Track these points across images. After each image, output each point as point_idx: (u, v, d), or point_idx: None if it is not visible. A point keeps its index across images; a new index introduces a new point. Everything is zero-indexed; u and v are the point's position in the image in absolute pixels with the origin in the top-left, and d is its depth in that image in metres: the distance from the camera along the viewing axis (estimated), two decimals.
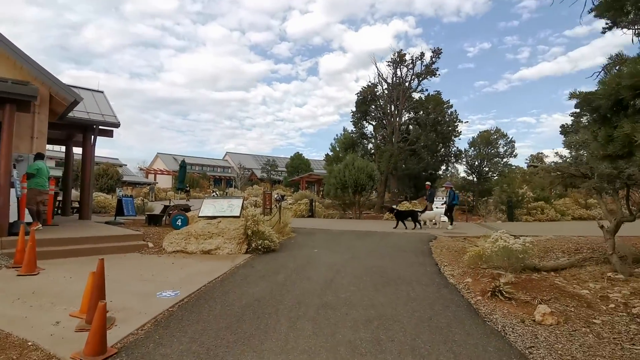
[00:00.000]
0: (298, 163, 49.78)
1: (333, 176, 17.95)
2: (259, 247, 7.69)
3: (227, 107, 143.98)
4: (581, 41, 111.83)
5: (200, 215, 8.30)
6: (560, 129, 28.71)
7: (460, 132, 20.14)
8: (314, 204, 19.01)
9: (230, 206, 8.23)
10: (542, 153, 51.03)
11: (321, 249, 8.45)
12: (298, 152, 51.57)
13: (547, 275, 6.33)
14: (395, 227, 12.36)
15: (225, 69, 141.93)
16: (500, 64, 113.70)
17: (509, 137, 19.87)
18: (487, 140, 20.30)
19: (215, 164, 65.41)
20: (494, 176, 20.22)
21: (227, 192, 40.22)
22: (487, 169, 20.05)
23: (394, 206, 16.26)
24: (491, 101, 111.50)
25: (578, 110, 30.60)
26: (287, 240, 9.64)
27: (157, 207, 16.22)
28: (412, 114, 21.14)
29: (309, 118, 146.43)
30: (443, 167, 21.19)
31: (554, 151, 29.12)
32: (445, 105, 19.73)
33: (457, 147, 20.35)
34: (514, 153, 19.88)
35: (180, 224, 8.41)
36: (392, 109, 20.08)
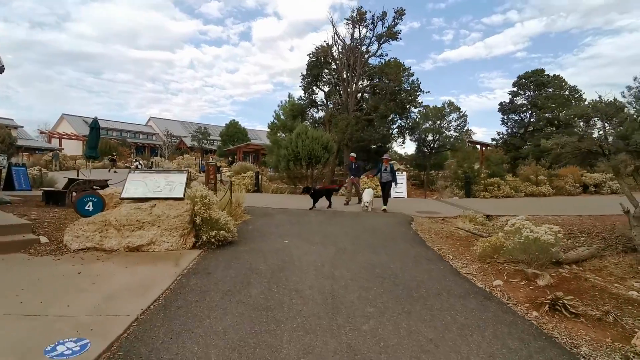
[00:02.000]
0: (234, 131, 46.09)
1: (283, 146, 15.92)
2: (212, 239, 5.62)
3: (150, 68, 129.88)
4: (496, 29, 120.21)
5: (123, 196, 5.86)
6: (498, 107, 29.80)
7: (421, 102, 19.14)
8: (260, 177, 16.88)
9: (169, 184, 5.91)
10: (470, 129, 53.98)
11: (292, 238, 6.64)
12: (234, 120, 47.71)
13: (576, 271, 5.34)
14: (311, 208, 10.37)
15: (145, 25, 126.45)
16: (427, 44, 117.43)
17: (461, 111, 19.50)
18: (440, 114, 19.72)
19: (137, 130, 58.19)
20: (444, 150, 19.86)
21: (152, 162, 35.62)
22: (439, 143, 19.57)
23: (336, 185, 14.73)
24: (418, 79, 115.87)
25: (516, 89, 31.64)
26: (244, 226, 7.63)
27: (60, 180, 12.77)
28: (368, 81, 19.55)
29: (241, 86, 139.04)
30: (400, 140, 20.31)
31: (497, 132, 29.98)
32: (406, 73, 18.51)
33: (414, 119, 19.45)
34: (465, 128, 19.70)
35: (91, 208, 5.84)
36: (349, 72, 18.25)
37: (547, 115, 24.00)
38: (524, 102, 28.10)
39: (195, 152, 48.19)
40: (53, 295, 3.68)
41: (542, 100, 25.47)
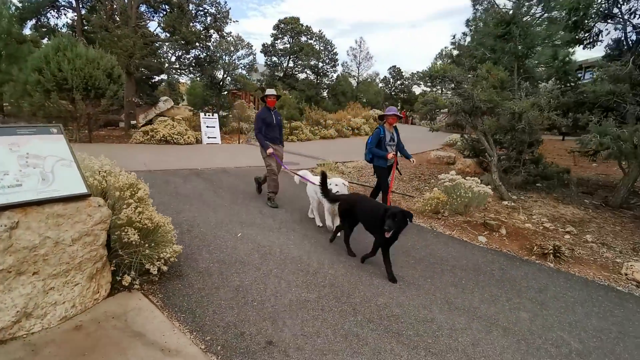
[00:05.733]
0: None
1: (31, 68, 9.92)
2: (163, 266, 2.91)
3: None
4: None
5: None
6: (262, 48, 30.46)
7: (230, 32, 16.05)
8: None
9: (34, 164, 2.26)
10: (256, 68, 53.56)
11: (233, 226, 4.44)
12: None
13: (484, 215, 6.47)
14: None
15: None
16: None
17: (250, 48, 18.39)
18: (228, 49, 17.90)
19: None
20: (235, 89, 18.51)
21: None
22: (230, 81, 17.98)
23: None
24: (226, 2, 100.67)
25: (276, 32, 32.81)
26: None
27: None
28: None
29: None
30: (198, 73, 16.58)
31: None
32: None
33: (211, 50, 16.33)
34: (254, 67, 18.74)
35: None
36: None
37: (312, 63, 26.80)
38: (284, 46, 29.97)
39: None
40: None
41: (302, 47, 27.97)
